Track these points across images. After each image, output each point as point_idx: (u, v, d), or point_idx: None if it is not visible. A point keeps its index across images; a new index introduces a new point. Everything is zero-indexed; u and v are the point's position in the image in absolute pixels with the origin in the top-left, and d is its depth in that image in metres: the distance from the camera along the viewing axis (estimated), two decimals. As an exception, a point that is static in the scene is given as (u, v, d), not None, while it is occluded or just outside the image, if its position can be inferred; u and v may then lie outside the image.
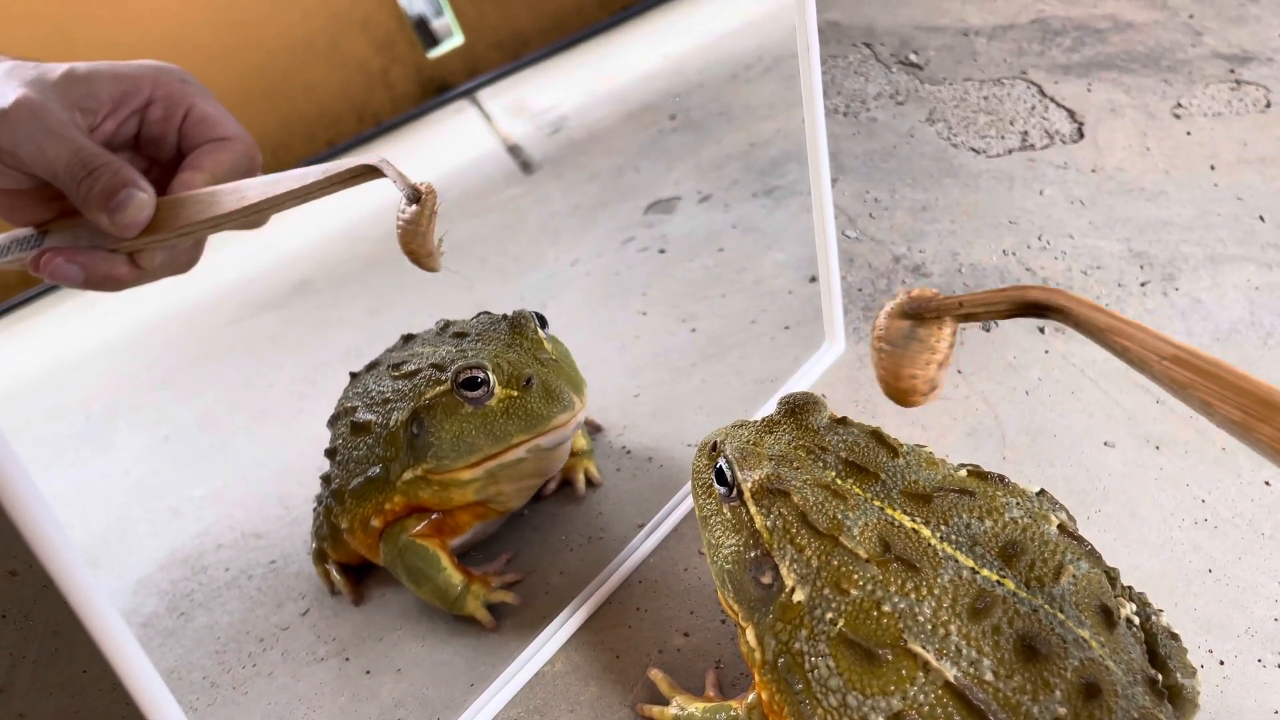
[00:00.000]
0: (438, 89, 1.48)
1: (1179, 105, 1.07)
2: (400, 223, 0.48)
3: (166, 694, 0.47)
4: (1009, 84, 1.15)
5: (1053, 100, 1.11)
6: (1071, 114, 1.09)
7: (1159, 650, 0.55)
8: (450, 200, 1.36)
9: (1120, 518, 0.70)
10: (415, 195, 0.47)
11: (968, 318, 0.42)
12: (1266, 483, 0.71)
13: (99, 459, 1.04)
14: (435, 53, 1.44)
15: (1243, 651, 0.62)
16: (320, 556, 0.76)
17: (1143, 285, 0.87)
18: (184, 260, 0.55)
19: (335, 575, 0.75)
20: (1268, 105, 1.05)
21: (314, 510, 0.78)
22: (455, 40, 1.45)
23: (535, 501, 0.78)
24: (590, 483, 0.78)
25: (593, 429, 0.84)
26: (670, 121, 1.39)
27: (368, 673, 0.68)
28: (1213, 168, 0.98)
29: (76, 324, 1.23)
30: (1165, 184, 0.97)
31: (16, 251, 0.53)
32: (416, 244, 0.49)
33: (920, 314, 0.43)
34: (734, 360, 0.88)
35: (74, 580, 0.43)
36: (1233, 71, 1.11)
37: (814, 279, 0.95)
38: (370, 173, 0.48)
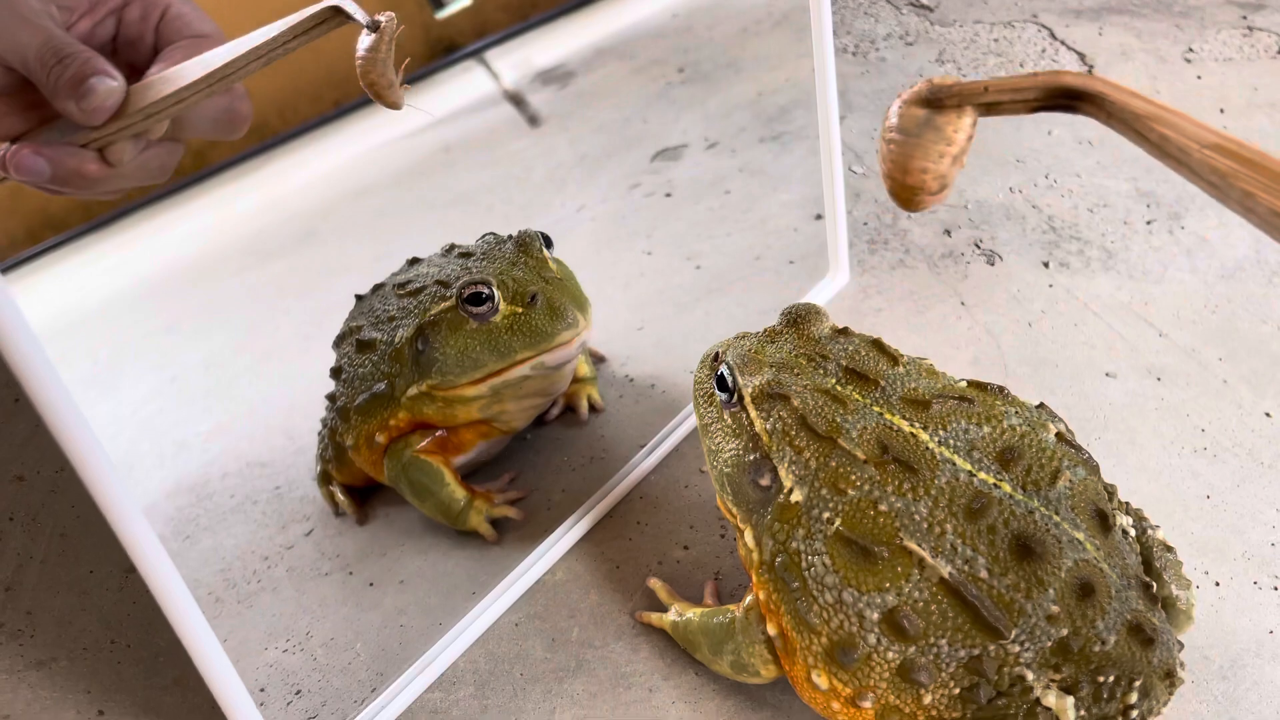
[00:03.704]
0: (445, 50, 1.47)
1: (1190, 50, 1.06)
2: (360, 54, 0.48)
3: (180, 583, 0.47)
4: (1019, 27, 1.14)
5: (1063, 43, 1.10)
6: (1082, 57, 1.08)
7: (1154, 562, 0.55)
8: (456, 153, 1.36)
9: (1120, 445, 0.70)
10: (375, 25, 0.47)
11: (991, 108, 0.38)
12: (1267, 414, 0.71)
13: (105, 401, 1.05)
14: (443, 14, 1.43)
15: (1239, 574, 0.62)
16: (325, 478, 0.77)
17: (1149, 223, 0.87)
18: (155, 165, 0.54)
19: (340, 496, 0.76)
20: (1279, 52, 1.04)
21: (319, 434, 0.79)
22: (463, 1, 1.44)
23: (538, 425, 0.79)
24: (593, 408, 0.79)
25: (596, 359, 0.85)
26: (678, 75, 1.38)
27: (371, 585, 0.69)
28: (1222, 111, 0.98)
29: (83, 277, 1.23)
30: (1174, 126, 0.97)
31: None
32: (376, 73, 0.48)
33: (940, 100, 0.38)
34: (738, 294, 0.88)
35: (98, 473, 0.43)
36: (1245, 18, 1.10)
37: (819, 217, 0.95)
38: (336, 15, 0.48)
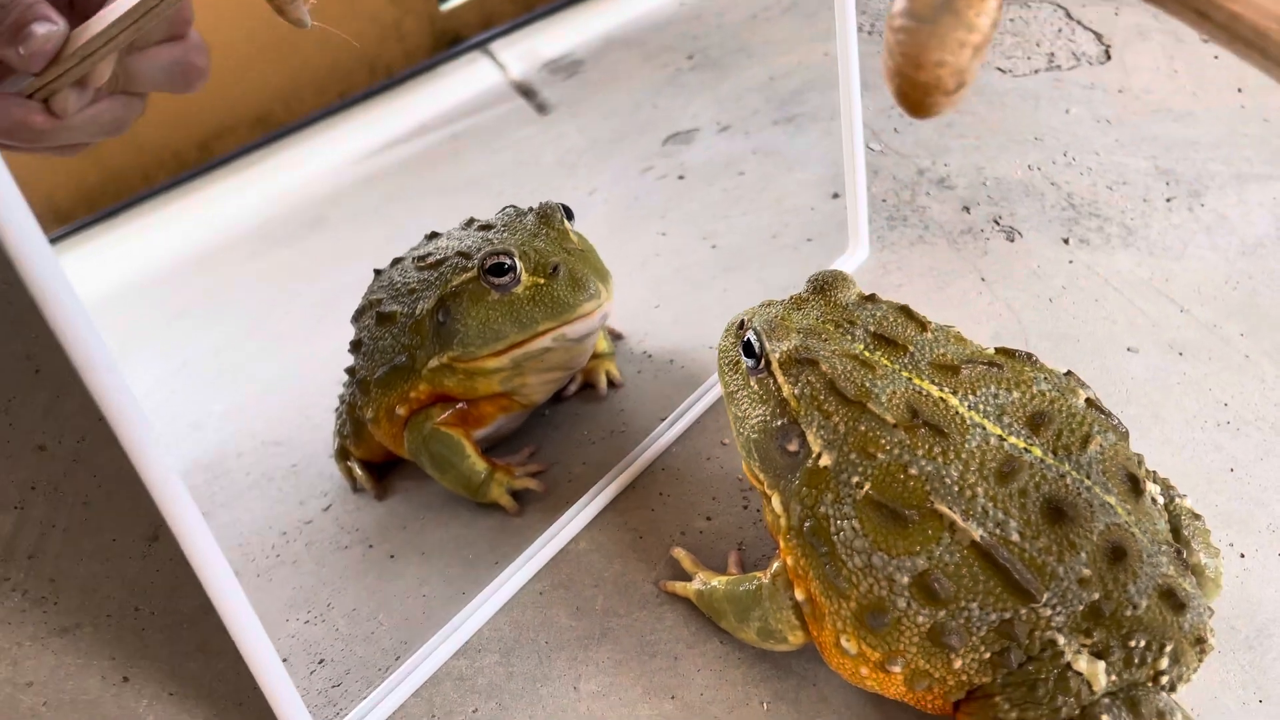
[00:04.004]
0: (450, 41, 1.47)
1: (1207, 30, 1.06)
2: None
3: (211, 541, 0.47)
4: (1035, 7, 1.14)
5: (1080, 23, 1.10)
6: (1099, 37, 1.08)
7: (1182, 530, 0.55)
8: (463, 141, 1.36)
9: (1143, 419, 0.70)
10: None
11: None
12: (1290, 388, 0.71)
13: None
14: (448, 5, 1.43)
15: (1264, 546, 0.62)
16: (343, 454, 0.77)
17: (1168, 201, 0.87)
18: (108, 119, 0.53)
19: (358, 471, 0.76)
20: (1297, 32, 1.04)
21: (336, 411, 0.78)
22: (467, -7, 1.44)
23: (557, 401, 0.78)
24: (612, 383, 0.79)
25: (614, 336, 0.84)
26: (688, 61, 1.38)
27: (392, 557, 0.69)
28: (1240, 90, 0.98)
29: (90, 267, 1.23)
30: (1193, 105, 0.97)
31: None
32: None
33: None
34: (756, 270, 0.88)
35: (135, 431, 0.42)
36: (1262, -1, 1.10)
37: (837, 195, 0.94)
38: None
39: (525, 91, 1.41)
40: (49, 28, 0.47)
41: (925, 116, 0.35)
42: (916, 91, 0.34)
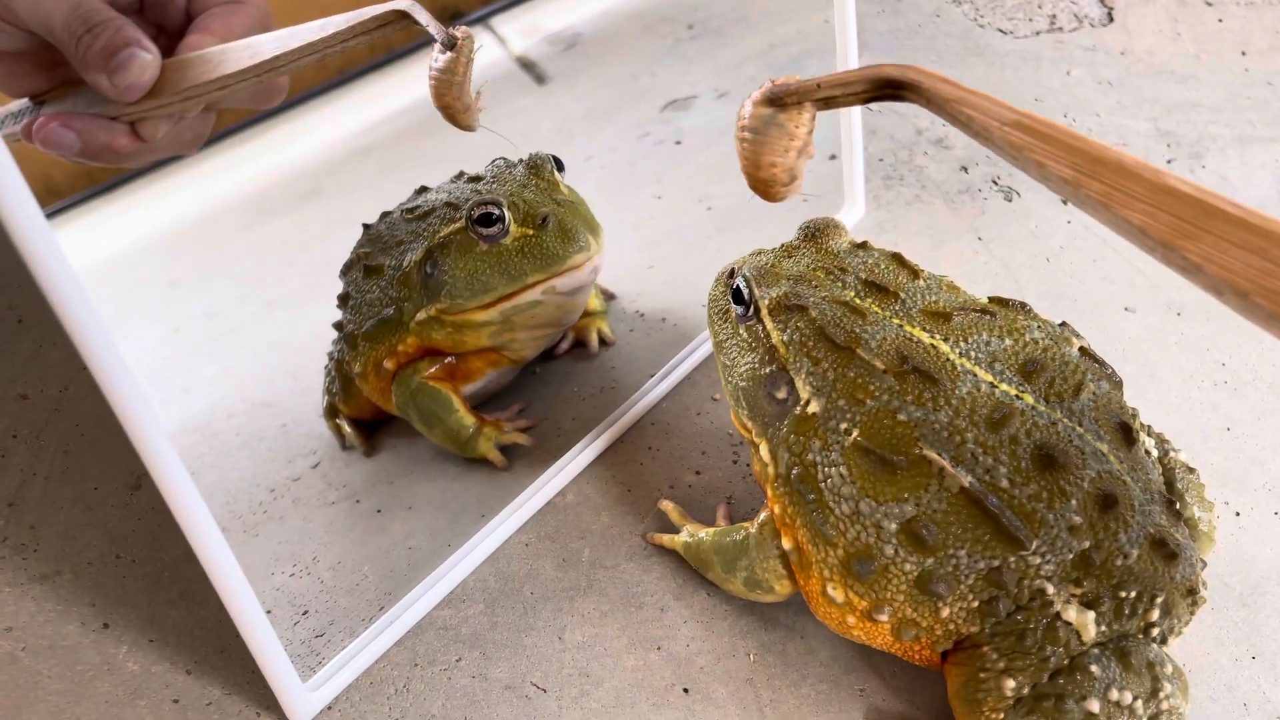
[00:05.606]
0: (451, 17, 1.46)
1: (1212, -6, 1.04)
2: (434, 73, 0.45)
3: (193, 490, 0.46)
4: (1038, -30, 1.13)
5: (1083, -14, 1.09)
6: (1102, -1, 1.07)
7: (1176, 483, 0.54)
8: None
9: (1139, 378, 0.69)
10: (451, 42, 0.44)
11: (827, 102, 0.42)
12: (1289, 349, 0.70)
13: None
14: (448, -19, 1.42)
15: (1259, 504, 0.61)
16: (331, 412, 0.76)
17: (1169, 163, 0.86)
18: (189, 137, 0.52)
19: (346, 429, 0.75)
20: (1303, -4, 1.03)
21: (325, 368, 0.78)
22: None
23: (547, 359, 0.78)
24: (603, 341, 0.78)
25: (606, 296, 0.83)
26: (688, 31, 1.36)
27: (379, 511, 0.68)
28: (1244, 54, 0.96)
29: (83, 241, 1.22)
30: (1195, 68, 0.95)
31: (10, 125, 0.50)
32: (452, 96, 0.46)
33: (781, 100, 0.42)
34: (750, 231, 0.87)
35: (117, 379, 0.41)
36: (1269, -37, 1.08)
37: (834, 157, 0.93)
38: (400, 19, 0.45)
39: (525, 64, 1.40)
40: (143, 58, 0.45)
41: (773, 201, 0.44)
42: (760, 185, 0.43)
